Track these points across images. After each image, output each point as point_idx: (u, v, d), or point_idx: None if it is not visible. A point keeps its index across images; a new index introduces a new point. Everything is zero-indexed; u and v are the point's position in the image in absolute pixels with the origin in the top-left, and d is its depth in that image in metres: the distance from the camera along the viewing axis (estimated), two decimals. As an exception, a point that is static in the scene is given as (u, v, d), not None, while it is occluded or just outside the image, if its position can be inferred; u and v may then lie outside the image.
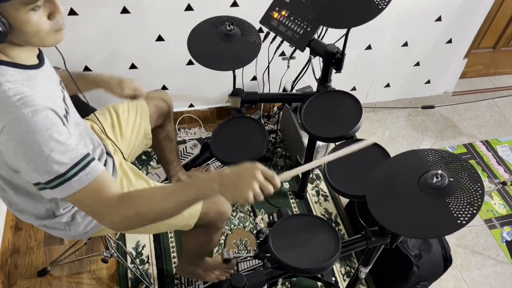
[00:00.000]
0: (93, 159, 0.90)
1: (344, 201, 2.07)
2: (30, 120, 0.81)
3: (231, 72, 1.54)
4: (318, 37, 1.51)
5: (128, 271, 1.71)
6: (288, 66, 1.74)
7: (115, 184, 0.94)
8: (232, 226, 1.91)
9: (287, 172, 0.95)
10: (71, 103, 1.07)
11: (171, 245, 1.82)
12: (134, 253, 1.77)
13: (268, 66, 1.71)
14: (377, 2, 1.23)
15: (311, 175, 2.14)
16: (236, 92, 1.54)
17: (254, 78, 2.17)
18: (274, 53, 1.62)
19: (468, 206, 0.92)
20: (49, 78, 0.98)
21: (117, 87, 1.29)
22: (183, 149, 2.14)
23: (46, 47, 0.93)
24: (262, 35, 1.54)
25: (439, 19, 2.15)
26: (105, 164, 1.20)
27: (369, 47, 2.20)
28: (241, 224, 1.92)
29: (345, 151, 0.99)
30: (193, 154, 2.12)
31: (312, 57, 1.53)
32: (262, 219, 1.93)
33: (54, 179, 0.85)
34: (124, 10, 1.76)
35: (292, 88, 1.99)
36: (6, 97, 0.82)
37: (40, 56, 0.97)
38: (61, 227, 1.16)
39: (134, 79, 1.32)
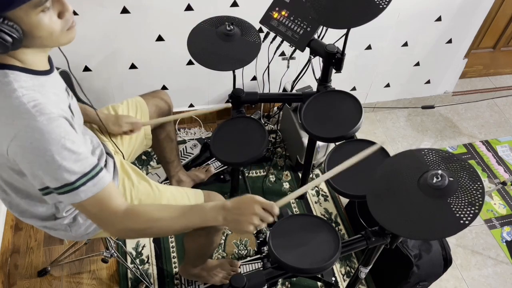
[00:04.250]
0: (101, 170, 0.91)
1: (344, 201, 2.07)
2: (45, 128, 0.81)
3: (231, 72, 1.54)
4: (318, 37, 1.51)
5: (128, 271, 1.71)
6: (288, 66, 1.74)
7: (121, 196, 0.98)
8: (232, 226, 1.90)
9: (285, 197, 1.04)
10: (77, 107, 1.07)
11: (171, 245, 1.82)
12: (134, 253, 1.77)
13: (268, 66, 1.71)
14: (377, 2, 1.23)
15: (311, 175, 2.14)
16: (236, 92, 1.54)
17: (254, 78, 2.17)
18: (274, 53, 1.62)
19: (469, 206, 0.92)
20: (57, 84, 0.98)
21: (114, 124, 1.35)
22: (183, 149, 2.14)
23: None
24: (262, 35, 1.54)
25: (439, 19, 2.15)
26: (105, 165, 1.20)
27: (369, 47, 2.20)
28: (241, 224, 1.91)
29: (340, 168, 1.07)
30: (193, 154, 2.12)
31: (312, 57, 1.53)
32: (262, 219, 1.92)
33: (62, 186, 0.86)
34: (124, 10, 1.76)
35: (292, 88, 1.99)
36: (21, 103, 0.82)
37: (50, 62, 0.97)
38: (62, 228, 1.17)
39: (128, 115, 1.39)
